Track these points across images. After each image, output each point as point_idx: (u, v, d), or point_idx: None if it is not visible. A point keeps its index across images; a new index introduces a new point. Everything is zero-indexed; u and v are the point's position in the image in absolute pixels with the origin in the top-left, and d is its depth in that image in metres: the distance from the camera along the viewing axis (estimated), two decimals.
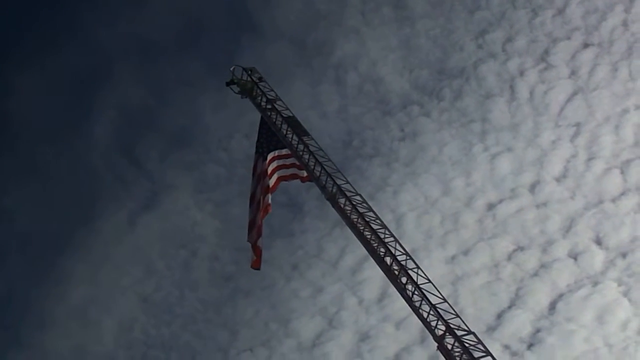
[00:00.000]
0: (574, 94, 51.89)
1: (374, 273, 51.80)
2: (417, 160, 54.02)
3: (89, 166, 61.08)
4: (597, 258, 48.15)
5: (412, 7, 58.48)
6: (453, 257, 49.70)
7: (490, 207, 51.15)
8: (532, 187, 50.87)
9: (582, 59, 52.35)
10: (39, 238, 58.96)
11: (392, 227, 51.67)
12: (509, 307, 48.04)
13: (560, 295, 47.86)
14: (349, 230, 53.81)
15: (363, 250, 52.13)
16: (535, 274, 48.83)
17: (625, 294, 47.01)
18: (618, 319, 46.48)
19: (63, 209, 59.97)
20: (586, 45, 52.53)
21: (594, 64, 51.93)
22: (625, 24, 51.78)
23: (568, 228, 49.18)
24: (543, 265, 48.95)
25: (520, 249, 49.57)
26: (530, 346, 46.24)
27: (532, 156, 51.60)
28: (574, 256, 48.63)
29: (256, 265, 32.01)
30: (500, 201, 51.15)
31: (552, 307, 47.72)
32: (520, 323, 47.22)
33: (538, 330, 46.99)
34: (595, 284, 47.50)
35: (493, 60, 54.45)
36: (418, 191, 52.43)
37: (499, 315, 47.03)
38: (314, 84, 57.93)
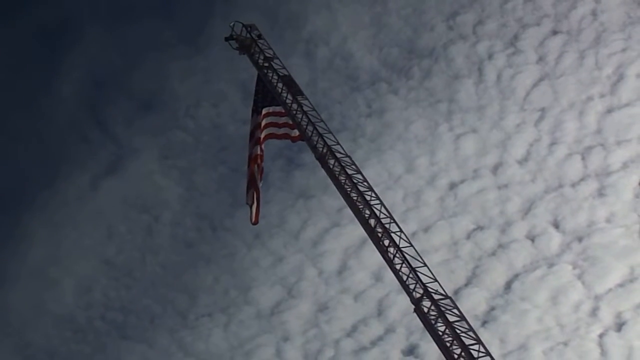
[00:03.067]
0: (541, 79, 52.66)
1: (334, 245, 52.86)
2: (382, 136, 54.59)
3: (54, 127, 60.96)
4: (554, 241, 49.13)
5: None
6: (413, 234, 50.01)
7: (453, 186, 51.97)
8: (495, 169, 51.75)
9: (550, 45, 53.06)
10: (0, 197, 58.80)
11: None
12: (466, 285, 48.89)
13: (516, 275, 48.88)
14: (311, 202, 54.97)
15: (325, 223, 53.95)
16: (493, 254, 49.79)
17: (580, 276, 48.11)
18: (571, 301, 47.58)
19: (26, 169, 59.85)
20: (555, 33, 53.28)
21: (561, 51, 52.68)
22: (594, 13, 52.56)
23: (527, 210, 50.10)
24: (501, 245, 49.90)
25: (480, 228, 50.48)
26: (484, 323, 47.17)
27: (496, 138, 52.43)
28: (532, 238, 49.59)
29: (255, 221, 32.12)
30: (463, 181, 51.97)
31: (508, 286, 48.74)
32: (476, 300, 48.07)
33: (493, 308, 47.95)
34: (551, 265, 48.52)
35: (463, 42, 55.07)
36: (382, 167, 52.99)
37: (456, 292, 47.53)
38: (284, 56, 57.61)
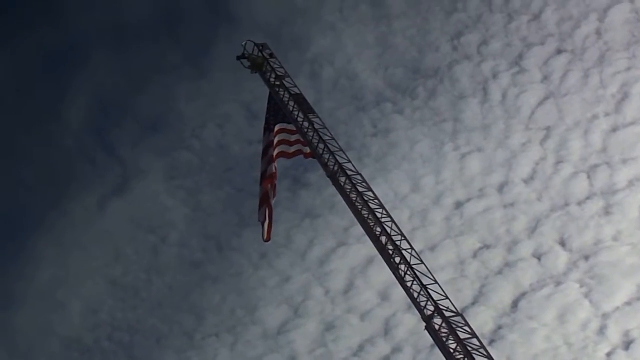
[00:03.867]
0: (546, 98, 52.86)
1: (341, 265, 52.91)
2: (388, 156, 54.74)
3: (61, 149, 61.31)
4: (561, 259, 49.18)
5: (389, 6, 59.32)
6: (420, 253, 50.17)
7: (459, 205, 52.05)
8: (501, 188, 51.83)
9: (555, 64, 53.30)
10: (8, 219, 59.02)
11: None
12: (473, 304, 48.93)
13: (523, 294, 48.87)
14: (318, 222, 55.08)
15: (331, 242, 54.05)
16: (500, 273, 49.82)
17: (587, 295, 48.10)
18: (579, 319, 47.58)
19: (34, 191, 60.07)
20: (560, 52, 53.51)
21: (566, 70, 52.92)
22: (598, 32, 52.82)
23: (534, 229, 50.16)
24: (508, 264, 49.93)
25: (486, 247, 50.52)
26: (491, 342, 46.99)
27: (501, 157, 52.54)
28: (539, 256, 49.64)
29: (267, 238, 32.24)
30: (469, 200, 52.05)
31: (515, 305, 48.72)
32: (483, 319, 48.03)
33: (500, 327, 47.92)
34: (558, 284, 48.52)
35: (468, 62, 55.35)
36: (388, 187, 53.07)
37: (463, 311, 47.14)
38: None
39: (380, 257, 52.31)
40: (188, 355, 52.07)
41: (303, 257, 53.64)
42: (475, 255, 50.29)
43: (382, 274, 51.66)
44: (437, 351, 48.58)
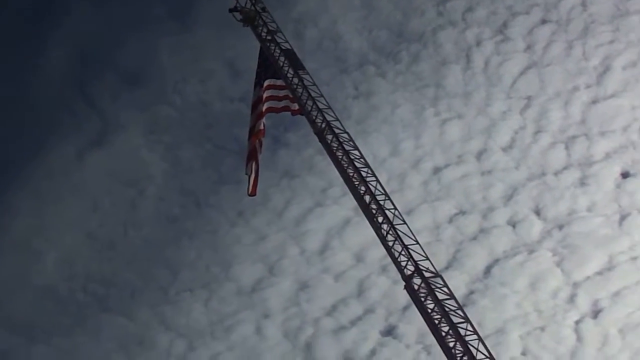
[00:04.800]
0: (528, 67, 53.07)
1: (317, 225, 53.20)
2: (368, 119, 54.71)
3: (40, 99, 60.50)
4: (535, 228, 49.73)
5: None
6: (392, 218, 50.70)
7: (437, 170, 52.37)
8: (479, 155, 52.16)
9: (538, 34, 53.49)
10: None
11: (339, 183, 53.47)
12: (446, 268, 49.09)
13: (497, 261, 49.45)
14: (295, 182, 55.25)
15: (308, 202, 54.24)
16: (474, 238, 50.30)
17: (559, 264, 48.76)
18: (549, 287, 48.23)
19: (11, 142, 59.55)
20: (544, 22, 53.72)
21: (550, 41, 53.13)
22: (584, 4, 53.12)
23: (510, 197, 50.67)
24: (482, 231, 50.43)
25: (462, 213, 50.94)
26: (463, 307, 47.56)
27: (481, 125, 52.82)
28: (513, 224, 50.22)
29: (253, 192, 32.41)
30: (447, 166, 52.36)
31: (488, 271, 49.30)
32: (455, 284, 47.31)
33: (472, 292, 48.49)
34: (531, 252, 49.13)
35: (452, 27, 55.37)
36: (367, 149, 51.63)
37: None
38: None
39: (356, 219, 53.18)
40: (162, 310, 52.18)
41: (279, 216, 53.84)
42: (450, 220, 50.76)
43: (358, 235, 52.43)
44: (409, 314, 49.63)
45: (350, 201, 51.47)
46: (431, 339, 47.37)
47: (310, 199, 53.49)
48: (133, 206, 56.07)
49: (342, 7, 57.80)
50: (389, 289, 50.36)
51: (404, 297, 49.59)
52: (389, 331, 49.43)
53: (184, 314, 51.81)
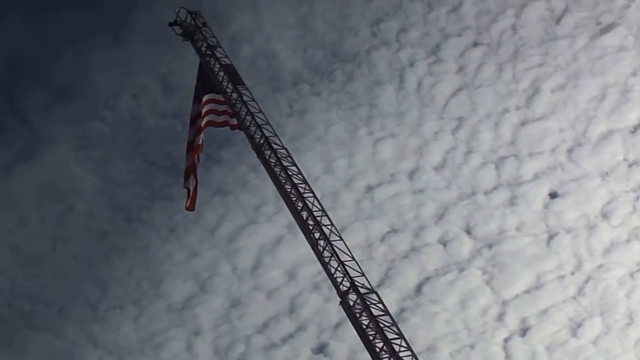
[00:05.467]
0: (460, 89, 53.70)
1: (250, 242, 53.11)
2: (302, 137, 54.81)
3: None
4: (465, 246, 50.44)
5: None
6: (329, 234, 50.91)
7: (369, 189, 52.73)
8: (411, 174, 52.71)
9: (470, 56, 54.13)
10: None
11: (272, 200, 53.54)
12: (378, 286, 48.52)
13: (427, 279, 50.07)
14: (228, 199, 55.12)
15: (241, 220, 54.14)
16: (406, 257, 50.85)
17: (488, 282, 49.58)
18: (479, 305, 49.01)
19: None
20: (476, 44, 54.40)
21: (481, 63, 53.85)
22: (514, 28, 53.89)
23: (441, 216, 51.31)
24: (414, 249, 51.01)
25: (394, 231, 51.43)
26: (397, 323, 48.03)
27: (414, 144, 53.32)
28: (444, 242, 50.85)
29: (191, 207, 32.34)
30: (380, 184, 52.79)
31: (419, 289, 49.86)
32: (387, 302, 47.96)
33: (403, 310, 48.92)
34: (461, 270, 49.83)
35: (386, 48, 55.82)
36: (301, 167, 51.65)
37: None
38: None
39: (289, 236, 53.20)
40: (91, 327, 51.42)
41: (212, 233, 53.63)
42: (383, 238, 51.19)
43: (291, 253, 52.59)
44: (341, 331, 49.89)
45: (283, 218, 52.57)
46: (362, 357, 47.99)
47: (243, 216, 53.50)
48: (62, 221, 55.26)
49: (277, 25, 58.05)
50: (320, 307, 50.60)
51: (335, 314, 50.32)
52: (321, 349, 49.64)
53: (113, 331, 51.29)
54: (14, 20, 59.58)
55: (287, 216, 51.53)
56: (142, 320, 51.47)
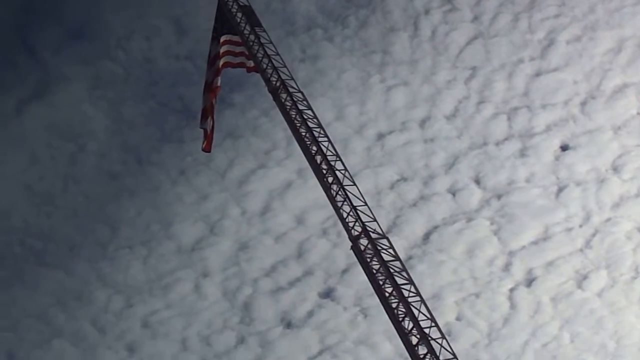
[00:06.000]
0: (474, 38, 53.43)
1: (259, 186, 53.28)
2: (314, 83, 54.45)
3: None
4: (474, 196, 50.68)
5: None
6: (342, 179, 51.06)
7: (380, 136, 52.72)
8: (422, 122, 52.65)
9: (486, 5, 53.69)
10: None
11: (282, 145, 53.60)
12: (386, 233, 49.81)
13: (435, 227, 50.34)
14: (239, 143, 55.13)
15: (251, 163, 54.22)
16: (414, 205, 51.05)
17: (496, 232, 49.87)
18: (486, 255, 49.35)
19: None
20: None
21: (497, 12, 53.40)
22: None
23: (451, 165, 51.41)
24: (423, 198, 51.19)
25: (404, 179, 51.57)
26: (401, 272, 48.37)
27: (426, 93, 53.17)
28: (453, 192, 51.02)
29: (207, 148, 32.30)
30: (391, 132, 52.78)
31: (426, 237, 50.14)
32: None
33: (410, 258, 49.11)
34: (470, 220, 50.07)
35: None
36: None
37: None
38: None
39: (299, 181, 53.37)
40: (100, 266, 51.84)
41: (222, 176, 53.76)
42: (392, 186, 51.33)
43: (300, 198, 52.83)
44: (348, 277, 50.24)
45: (294, 163, 52.76)
46: (368, 302, 48.72)
47: (254, 160, 53.53)
48: (73, 161, 55.36)
49: None
50: (328, 252, 50.96)
51: (343, 260, 50.79)
52: (327, 293, 50.07)
53: (122, 270, 51.69)
54: None
55: (297, 161, 52.62)
56: (151, 261, 51.93)
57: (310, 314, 49.60)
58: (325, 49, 55.73)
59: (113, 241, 52.35)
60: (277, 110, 53.01)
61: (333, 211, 51.89)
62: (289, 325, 49.75)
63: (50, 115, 56.02)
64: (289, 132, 53.13)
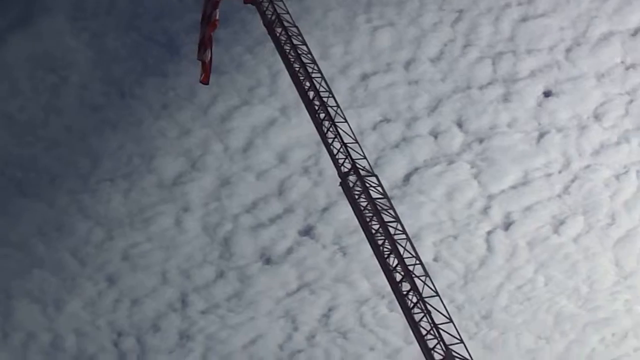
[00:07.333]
0: None
1: (242, 123, 53.26)
2: (299, 21, 52.14)
3: None
4: (456, 139, 51.08)
5: None
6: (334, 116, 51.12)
7: (364, 77, 52.69)
8: (407, 64, 52.65)
9: None
10: None
11: (266, 82, 53.42)
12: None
13: (416, 169, 50.78)
14: (223, 79, 54.90)
15: (235, 100, 54.16)
16: (396, 146, 51.37)
17: (476, 176, 50.38)
18: (465, 198, 50.00)
19: None
20: None
21: None
22: None
23: (434, 107, 51.69)
24: (405, 139, 51.52)
25: (386, 120, 51.77)
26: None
27: (412, 34, 53.02)
28: (435, 134, 51.39)
29: (205, 80, 32.10)
30: (375, 73, 52.74)
31: (407, 179, 50.63)
32: None
33: (391, 198, 49.38)
34: (450, 162, 50.56)
35: None
36: None
37: None
38: None
39: (282, 119, 53.31)
40: (81, 197, 51.88)
41: (205, 112, 53.68)
42: (375, 127, 51.56)
43: (283, 136, 52.91)
44: (327, 215, 50.65)
45: (277, 101, 52.80)
46: (347, 241, 49.09)
47: (237, 96, 53.40)
48: (55, 92, 54.88)
49: None
50: (309, 190, 51.32)
51: (323, 198, 51.16)
52: (307, 231, 50.57)
53: (104, 203, 51.81)
54: None
55: (280, 99, 52.66)
56: (132, 194, 52.03)
57: (290, 250, 50.22)
58: None
59: (94, 173, 52.42)
60: (261, 47, 53.27)
61: (315, 150, 52.09)
62: (268, 261, 50.40)
63: (32, 45, 55.33)
64: (273, 69, 53.44)
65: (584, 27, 51.15)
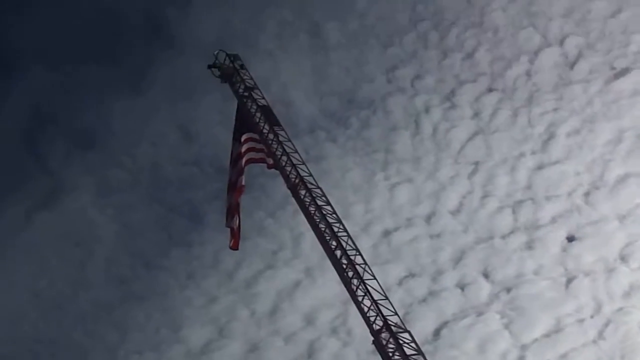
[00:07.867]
0: (475, 134, 54.42)
1: (268, 287, 53.32)
2: (319, 182, 54.77)
3: None
4: (483, 290, 50.53)
5: (327, 37, 60.31)
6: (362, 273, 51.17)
7: (386, 233, 53.02)
8: (428, 218, 53.09)
9: (485, 102, 54.98)
10: None
11: (289, 245, 53.81)
12: None
13: (446, 323, 50.01)
14: (246, 244, 55.27)
15: (259, 265, 54.48)
16: (424, 301, 50.93)
17: (507, 326, 49.48)
18: (498, 349, 48.87)
19: None
20: (490, 90, 55.25)
21: (496, 108, 54.64)
22: (528, 74, 54.76)
23: (458, 260, 51.50)
24: (431, 293, 51.11)
25: (412, 275, 51.59)
26: None
27: (430, 189, 53.81)
28: (462, 287, 50.95)
29: (234, 246, 32.59)
30: (397, 229, 53.12)
31: (437, 333, 49.82)
32: None
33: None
34: (480, 314, 49.81)
35: (401, 94, 56.67)
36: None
37: None
38: (226, 100, 58.83)
39: (306, 281, 53.35)
40: None
41: (230, 278, 53.97)
42: (400, 283, 51.38)
43: (308, 297, 52.80)
44: None
45: (301, 263, 53.07)
46: None
47: (261, 261, 53.80)
48: (82, 267, 55.74)
49: (294, 73, 58.91)
50: (339, 351, 50.65)
51: (354, 358, 50.33)
52: None
53: None
54: (38, 70, 60.83)
55: (304, 261, 52.98)
56: None
57: None
58: (329, 149, 56.75)
59: (122, 347, 52.34)
60: (282, 211, 54.14)
61: (342, 309, 51.56)
62: None
63: (59, 222, 56.61)
64: (295, 232, 53.96)
65: (600, 171, 51.68)
